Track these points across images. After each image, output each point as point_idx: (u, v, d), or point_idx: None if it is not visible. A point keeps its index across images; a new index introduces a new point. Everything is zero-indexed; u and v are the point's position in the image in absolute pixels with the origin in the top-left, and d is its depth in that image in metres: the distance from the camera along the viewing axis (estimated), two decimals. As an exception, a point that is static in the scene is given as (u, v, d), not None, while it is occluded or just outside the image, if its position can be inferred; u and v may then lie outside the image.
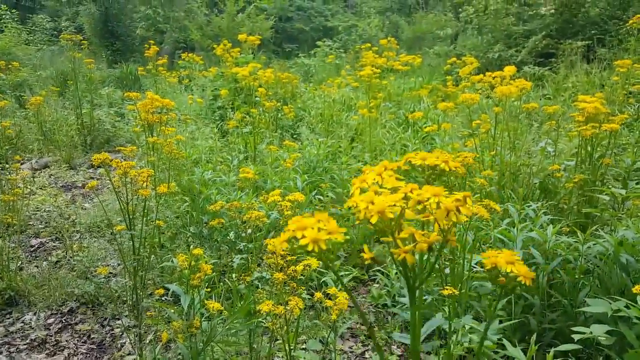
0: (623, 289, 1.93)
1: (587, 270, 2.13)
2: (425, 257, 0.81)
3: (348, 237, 0.73)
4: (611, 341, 1.55)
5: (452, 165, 0.84)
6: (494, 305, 0.90)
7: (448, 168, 0.84)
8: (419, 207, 0.73)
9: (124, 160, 2.01)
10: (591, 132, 3.02)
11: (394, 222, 0.74)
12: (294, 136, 5.36)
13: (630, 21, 5.61)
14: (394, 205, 0.72)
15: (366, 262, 0.84)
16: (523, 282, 0.76)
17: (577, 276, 2.05)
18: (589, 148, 3.20)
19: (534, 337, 1.42)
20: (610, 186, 3.08)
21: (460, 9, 11.96)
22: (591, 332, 1.51)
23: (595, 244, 2.11)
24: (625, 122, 3.45)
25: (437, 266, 2.24)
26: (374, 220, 0.71)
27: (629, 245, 2.03)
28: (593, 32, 8.68)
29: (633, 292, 1.50)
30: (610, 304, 1.67)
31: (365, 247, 0.84)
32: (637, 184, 3.46)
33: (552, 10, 9.37)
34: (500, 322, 1.82)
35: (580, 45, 8.07)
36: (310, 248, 0.70)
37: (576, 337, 1.49)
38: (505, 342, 1.45)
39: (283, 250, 1.84)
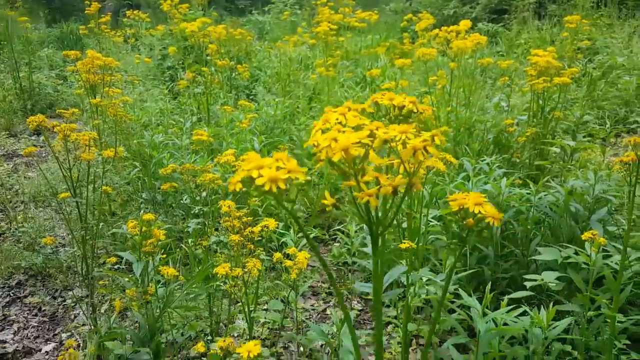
0: (572, 236, 2.01)
1: (539, 220, 2.19)
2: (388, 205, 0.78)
3: (309, 178, 0.69)
4: (560, 287, 1.61)
5: (420, 107, 0.80)
6: (456, 253, 0.89)
7: (416, 109, 0.80)
8: (386, 146, 0.69)
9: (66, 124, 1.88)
10: (543, 85, 3.07)
11: (357, 165, 0.69)
12: (250, 97, 5.22)
13: (580, -23, 5.69)
14: (359, 143, 0.67)
15: (331, 209, 0.79)
16: (492, 223, 0.73)
17: (529, 226, 2.11)
18: (540, 102, 3.26)
19: (489, 286, 1.45)
20: (560, 139, 3.17)
21: (415, -36, 11.80)
22: (542, 279, 1.56)
23: (546, 195, 2.17)
24: (574, 77, 3.53)
25: (395, 221, 2.25)
26: (336, 158, 0.66)
27: (578, 194, 2.10)
28: (544, -12, 8.77)
29: (582, 239, 1.54)
30: (560, 251, 1.73)
31: (327, 193, 0.80)
32: (584, 136, 3.58)
33: (506, -34, 9.37)
34: (456, 273, 1.86)
35: (532, 1, 8.14)
36: (267, 188, 0.64)
37: (528, 284, 1.53)
38: (461, 291, 1.47)
39: (239, 210, 1.79)
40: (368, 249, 0.98)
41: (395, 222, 2.13)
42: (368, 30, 7.68)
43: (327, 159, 0.68)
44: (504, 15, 8.70)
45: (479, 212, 0.73)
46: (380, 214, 0.75)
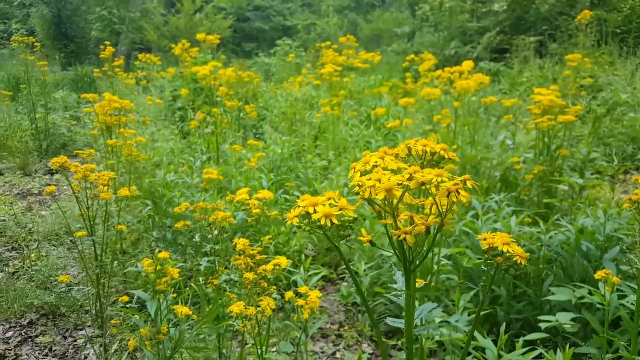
0: (585, 276, 2.00)
1: (550, 259, 2.19)
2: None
3: (356, 215, 0.80)
4: (576, 328, 1.60)
5: (450, 154, 0.87)
6: (487, 287, 0.92)
7: (447, 155, 0.86)
8: (423, 187, 0.76)
9: (83, 164, 1.94)
10: (547, 124, 3.11)
11: (394, 204, 0.77)
12: (257, 135, 5.31)
13: (578, 17, 5.84)
14: (400, 184, 0.75)
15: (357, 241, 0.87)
16: (519, 262, 0.79)
17: (541, 266, 2.11)
18: (546, 140, 3.29)
19: (503, 327, 1.44)
20: (568, 176, 3.18)
21: (416, 7, 12.17)
22: (557, 320, 1.55)
23: (556, 233, 2.17)
24: (579, 114, 3.57)
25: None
26: (380, 197, 0.74)
27: (589, 232, 2.10)
28: (544, 27, 8.98)
29: (595, 278, 1.54)
30: (574, 291, 1.72)
31: (363, 230, 0.86)
32: (592, 173, 3.59)
33: (505, 7, 9.64)
34: (469, 314, 1.85)
35: (533, 40, 8.32)
36: (322, 222, 0.74)
37: (543, 325, 1.52)
38: (475, 333, 1.47)
39: (253, 248, 1.80)
40: (396, 285, 1.02)
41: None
42: (371, 70, 7.86)
43: (368, 198, 0.75)
44: (505, 54, 8.88)
45: (507, 251, 0.77)
46: (412, 252, 0.80)
